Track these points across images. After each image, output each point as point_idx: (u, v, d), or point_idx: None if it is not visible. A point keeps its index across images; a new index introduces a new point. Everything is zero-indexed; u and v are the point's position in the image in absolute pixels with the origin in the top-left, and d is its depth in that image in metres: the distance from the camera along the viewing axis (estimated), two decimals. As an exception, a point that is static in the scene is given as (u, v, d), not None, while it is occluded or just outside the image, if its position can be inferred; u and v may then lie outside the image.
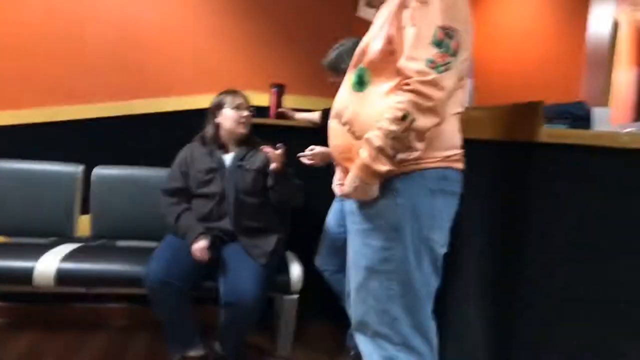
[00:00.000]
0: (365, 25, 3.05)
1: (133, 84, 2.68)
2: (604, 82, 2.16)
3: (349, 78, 1.39)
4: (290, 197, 2.21)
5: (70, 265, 2.07)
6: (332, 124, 1.41)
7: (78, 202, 2.46)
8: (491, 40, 2.86)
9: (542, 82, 2.50)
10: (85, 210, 2.49)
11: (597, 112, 1.59)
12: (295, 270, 2.22)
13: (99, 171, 2.49)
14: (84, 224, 2.49)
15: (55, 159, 2.50)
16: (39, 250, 2.15)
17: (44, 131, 2.60)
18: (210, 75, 2.76)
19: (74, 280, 2.06)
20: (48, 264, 2.05)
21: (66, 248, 2.23)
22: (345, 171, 1.39)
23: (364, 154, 1.23)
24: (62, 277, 2.03)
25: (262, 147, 2.14)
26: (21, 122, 2.58)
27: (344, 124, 1.34)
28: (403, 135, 1.18)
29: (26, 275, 2.01)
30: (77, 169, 2.47)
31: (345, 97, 1.38)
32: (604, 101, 2.13)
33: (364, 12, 3.10)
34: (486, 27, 2.85)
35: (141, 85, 2.69)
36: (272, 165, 2.07)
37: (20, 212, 2.41)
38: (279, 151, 2.04)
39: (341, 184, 1.46)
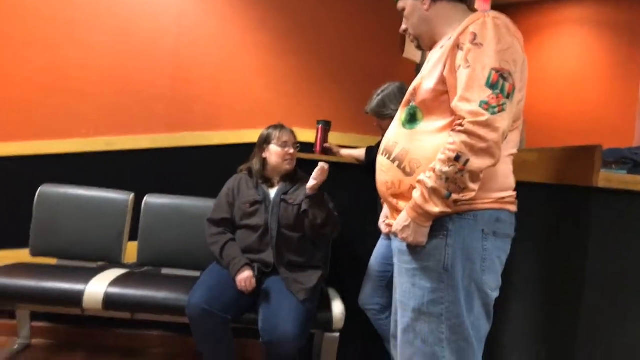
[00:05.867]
0: (410, 66, 3.10)
1: (183, 117, 2.79)
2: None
3: (400, 115, 1.40)
4: (325, 225, 2.16)
5: (118, 290, 2.12)
6: (381, 160, 1.42)
7: (127, 229, 2.54)
8: (540, 82, 2.84)
9: (592, 126, 2.46)
10: (132, 237, 2.57)
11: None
12: (337, 308, 2.19)
13: (149, 199, 2.57)
14: (130, 251, 2.56)
15: (108, 186, 2.60)
16: (88, 274, 2.22)
17: (98, 159, 2.73)
18: (257, 110, 2.84)
19: (120, 305, 2.10)
20: (97, 288, 2.11)
21: (114, 273, 2.29)
22: (392, 207, 1.39)
23: (416, 194, 1.23)
24: (110, 301, 2.09)
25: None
26: (78, 150, 2.72)
27: (393, 160, 1.35)
28: (456, 176, 1.17)
29: (76, 298, 2.08)
30: (128, 196, 2.55)
31: (395, 134, 1.39)
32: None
33: (409, 54, 3.14)
34: (535, 69, 2.84)
35: (191, 119, 2.80)
36: (309, 184, 2.07)
37: (72, 235, 2.50)
38: (321, 167, 2.03)
39: (387, 223, 1.45)
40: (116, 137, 2.75)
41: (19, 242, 2.60)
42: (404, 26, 1.47)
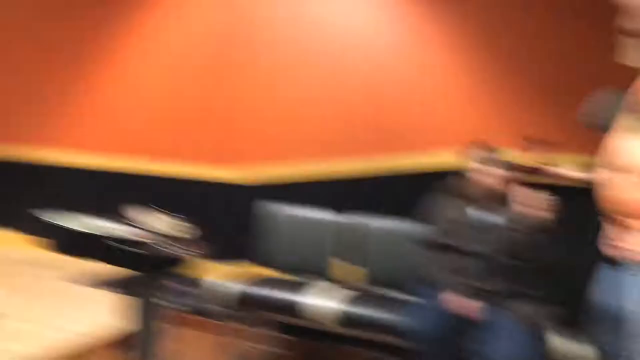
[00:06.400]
0: (626, 71, 2.76)
1: (387, 141, 2.91)
2: None
3: (630, 125, 1.31)
4: (533, 258, 2.12)
5: (350, 308, 2.35)
6: (617, 176, 1.34)
7: (337, 247, 2.79)
8: None
9: None
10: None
11: None
12: (560, 344, 2.12)
13: (373, 222, 2.77)
14: (341, 269, 2.79)
15: (316, 206, 2.89)
16: (313, 289, 2.50)
17: (313, 183, 3.03)
18: (458, 130, 2.80)
19: (354, 323, 2.33)
20: (329, 303, 2.38)
21: (342, 292, 2.52)
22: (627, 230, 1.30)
23: None
24: (346, 318, 2.32)
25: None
26: (297, 173, 3.05)
27: (635, 176, 1.26)
28: None
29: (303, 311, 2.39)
30: (347, 218, 2.81)
31: (630, 146, 1.29)
32: None
33: (626, 56, 2.83)
34: None
35: (393, 143, 2.90)
36: (533, 212, 2.03)
37: (292, 251, 2.85)
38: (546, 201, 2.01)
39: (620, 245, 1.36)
40: (328, 161, 2.99)
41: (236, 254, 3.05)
42: (626, 24, 1.35)
